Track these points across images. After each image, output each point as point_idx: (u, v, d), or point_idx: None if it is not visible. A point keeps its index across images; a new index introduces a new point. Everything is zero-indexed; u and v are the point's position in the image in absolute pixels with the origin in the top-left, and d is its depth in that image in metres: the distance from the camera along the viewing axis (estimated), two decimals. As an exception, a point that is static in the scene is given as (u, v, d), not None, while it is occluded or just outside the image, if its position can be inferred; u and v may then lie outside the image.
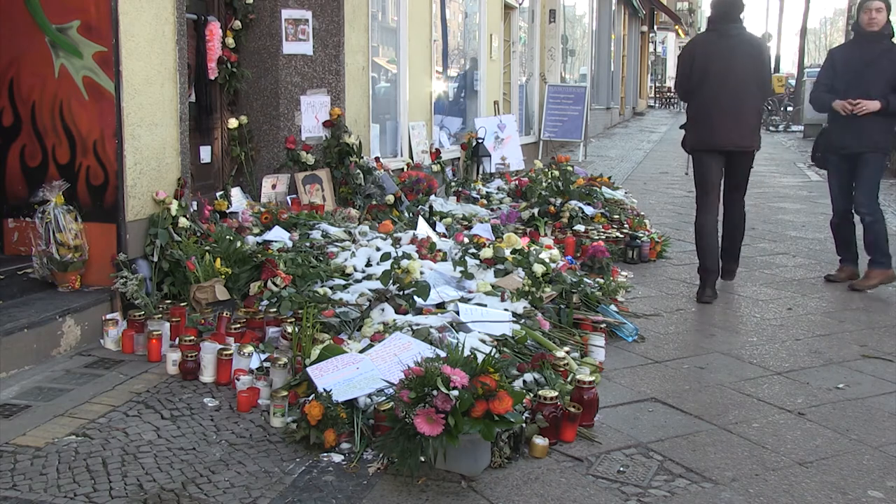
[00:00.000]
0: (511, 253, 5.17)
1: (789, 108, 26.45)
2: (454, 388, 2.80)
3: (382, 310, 4.24)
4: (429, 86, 9.27)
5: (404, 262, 4.76)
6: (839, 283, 6.12)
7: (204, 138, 6.09)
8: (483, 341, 3.89)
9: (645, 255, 6.73)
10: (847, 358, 4.48)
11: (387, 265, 4.82)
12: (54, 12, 4.56)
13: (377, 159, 7.24)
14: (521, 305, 4.42)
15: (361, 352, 3.68)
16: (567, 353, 3.94)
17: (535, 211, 7.33)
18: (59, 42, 4.58)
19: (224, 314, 4.36)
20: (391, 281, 4.50)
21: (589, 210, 7.41)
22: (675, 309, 5.39)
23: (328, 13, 6.64)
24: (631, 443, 3.35)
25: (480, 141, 9.85)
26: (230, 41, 6.20)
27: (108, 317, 4.39)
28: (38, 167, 4.72)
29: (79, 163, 4.66)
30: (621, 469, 3.12)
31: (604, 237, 6.68)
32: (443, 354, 3.24)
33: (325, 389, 3.28)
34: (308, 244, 5.24)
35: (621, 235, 6.88)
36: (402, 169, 7.85)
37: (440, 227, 6.44)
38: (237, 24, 6.27)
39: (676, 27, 40.90)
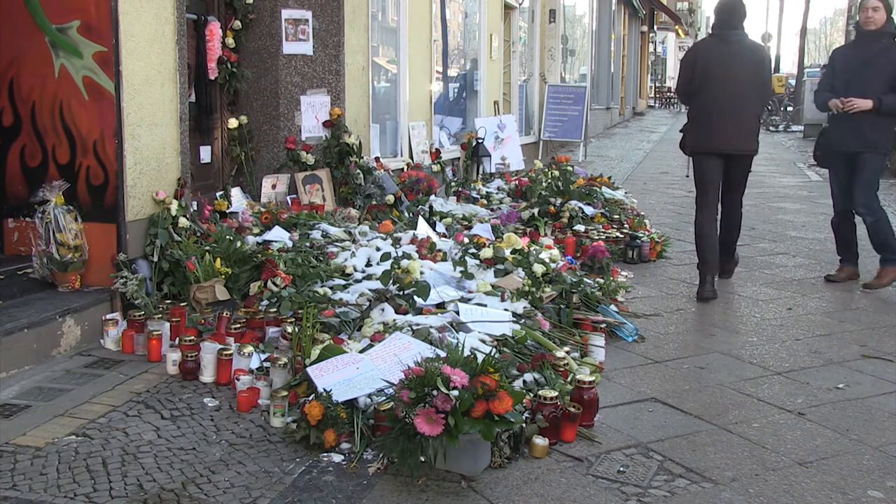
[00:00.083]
0: (511, 253, 5.17)
1: (789, 108, 26.44)
2: (454, 388, 2.80)
3: (382, 310, 4.24)
4: (429, 86, 9.27)
5: (404, 262, 4.76)
6: (839, 283, 6.12)
7: (204, 138, 6.09)
8: (483, 341, 3.89)
9: (645, 255, 6.74)
10: (847, 358, 4.48)
11: (387, 265, 4.82)
12: (54, 12, 4.56)
13: (377, 159, 7.24)
14: (521, 305, 4.42)
15: (361, 352, 3.68)
16: (567, 353, 3.94)
17: (535, 211, 7.33)
18: (59, 42, 4.58)
19: (224, 314, 4.37)
20: (391, 281, 4.49)
21: (589, 210, 7.41)
22: (675, 309, 5.39)
23: (328, 13, 6.64)
24: (631, 443, 3.34)
25: (480, 141, 9.85)
26: (230, 41, 6.20)
27: (108, 317, 4.39)
28: (38, 167, 4.72)
29: (79, 163, 4.66)
30: (621, 469, 3.11)
31: (604, 237, 6.68)
32: (443, 354, 3.24)
33: (325, 389, 3.28)
34: (308, 244, 5.23)
35: (621, 235, 6.88)
36: (402, 169, 7.85)
37: (440, 227, 6.44)
38: (237, 24, 6.27)
39: (676, 27, 40.93)
